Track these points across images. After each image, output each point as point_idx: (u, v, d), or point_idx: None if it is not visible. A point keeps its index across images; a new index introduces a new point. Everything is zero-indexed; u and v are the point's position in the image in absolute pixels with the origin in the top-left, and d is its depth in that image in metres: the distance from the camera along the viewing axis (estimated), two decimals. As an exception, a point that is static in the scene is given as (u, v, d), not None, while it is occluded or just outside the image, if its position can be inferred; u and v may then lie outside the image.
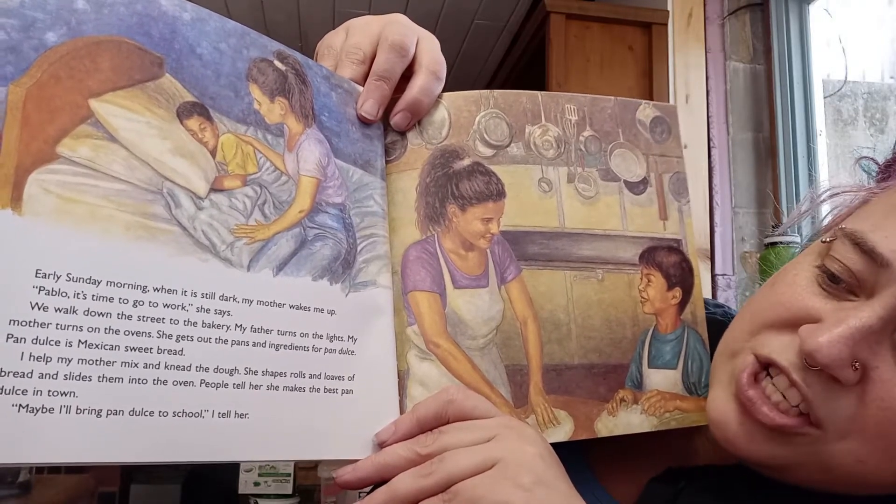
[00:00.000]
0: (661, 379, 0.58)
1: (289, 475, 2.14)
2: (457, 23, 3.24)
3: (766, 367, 0.50)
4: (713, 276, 1.99)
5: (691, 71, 2.14)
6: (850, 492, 0.51)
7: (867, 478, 0.48)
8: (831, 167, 1.99)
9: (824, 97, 2.04)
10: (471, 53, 3.52)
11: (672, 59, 2.14)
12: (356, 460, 0.49)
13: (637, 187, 0.61)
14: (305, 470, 2.17)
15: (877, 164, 0.56)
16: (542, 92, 0.60)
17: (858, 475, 0.48)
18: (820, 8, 2.11)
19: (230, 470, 2.09)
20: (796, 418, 0.48)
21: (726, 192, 2.06)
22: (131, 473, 2.18)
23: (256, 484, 2.11)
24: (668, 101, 2.10)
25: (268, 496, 2.12)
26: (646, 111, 0.63)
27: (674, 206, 0.62)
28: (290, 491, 2.13)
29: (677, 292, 0.60)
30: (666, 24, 2.17)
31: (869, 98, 2.04)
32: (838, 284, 0.49)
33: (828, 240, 0.50)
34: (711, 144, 2.09)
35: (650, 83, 2.14)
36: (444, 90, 0.58)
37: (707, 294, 1.96)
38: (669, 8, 2.17)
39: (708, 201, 2.03)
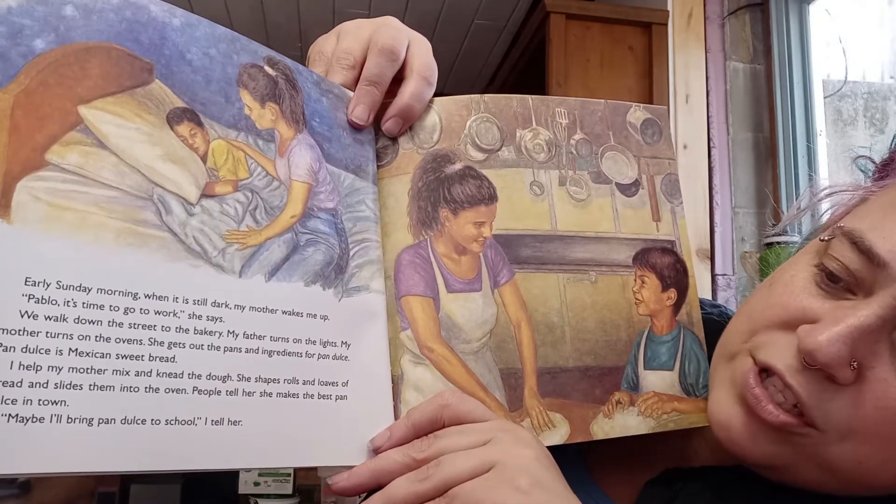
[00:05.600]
0: (657, 380, 0.58)
1: (289, 475, 2.14)
2: (457, 23, 3.25)
3: (763, 369, 0.50)
4: (713, 276, 1.99)
5: (691, 71, 2.14)
6: (850, 493, 0.51)
7: (867, 478, 0.48)
8: (831, 167, 1.99)
9: (824, 97, 2.03)
10: (471, 53, 3.53)
11: (672, 59, 2.14)
12: (351, 466, 0.49)
13: (629, 189, 0.61)
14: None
15: (873, 163, 0.56)
16: (533, 96, 0.60)
17: (858, 475, 0.48)
18: (820, 8, 2.11)
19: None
20: (798, 417, 0.48)
21: (726, 192, 2.06)
22: (131, 474, 2.18)
23: (256, 484, 2.12)
24: (668, 101, 2.10)
25: (268, 496, 2.12)
26: (636, 114, 0.63)
27: (666, 208, 0.62)
28: (290, 491, 2.14)
29: (672, 293, 0.60)
30: (666, 24, 2.17)
31: (869, 98, 2.04)
32: (836, 283, 0.49)
33: (826, 238, 0.50)
34: (711, 144, 2.09)
35: (650, 83, 2.14)
36: (445, 90, 0.58)
37: (707, 294, 1.96)
38: (669, 8, 2.17)
39: (708, 201, 2.03)
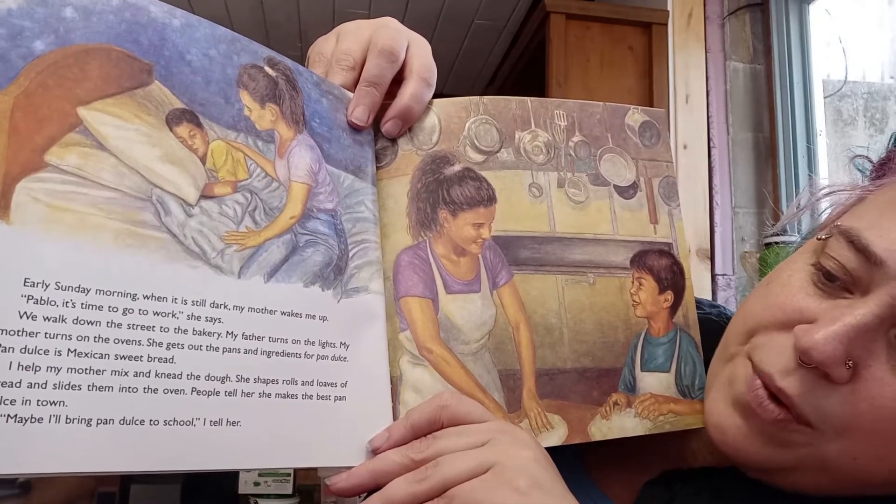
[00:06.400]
0: (654, 382, 0.58)
1: (289, 475, 2.14)
2: (457, 23, 3.24)
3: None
4: (713, 276, 1.99)
5: (691, 71, 2.14)
6: (846, 493, 0.51)
7: (863, 475, 0.48)
8: (831, 167, 1.99)
9: (824, 97, 2.04)
10: (471, 53, 3.52)
11: (672, 59, 2.14)
12: (350, 467, 0.49)
13: (627, 191, 0.61)
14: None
15: (871, 162, 0.56)
16: (532, 98, 0.60)
17: (854, 473, 0.48)
18: (820, 8, 2.11)
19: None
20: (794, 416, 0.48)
21: (726, 192, 2.06)
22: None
23: (256, 484, 2.11)
24: (668, 102, 2.10)
25: (268, 496, 2.12)
26: (634, 116, 0.63)
27: (664, 210, 0.62)
28: (290, 491, 2.13)
29: (669, 295, 0.60)
30: (666, 24, 2.17)
31: (869, 98, 2.04)
32: (833, 282, 0.49)
33: (823, 237, 0.50)
34: (711, 144, 2.09)
35: (650, 83, 2.14)
36: (445, 90, 0.58)
37: (707, 294, 1.96)
38: (669, 8, 2.17)
39: (708, 201, 2.03)
